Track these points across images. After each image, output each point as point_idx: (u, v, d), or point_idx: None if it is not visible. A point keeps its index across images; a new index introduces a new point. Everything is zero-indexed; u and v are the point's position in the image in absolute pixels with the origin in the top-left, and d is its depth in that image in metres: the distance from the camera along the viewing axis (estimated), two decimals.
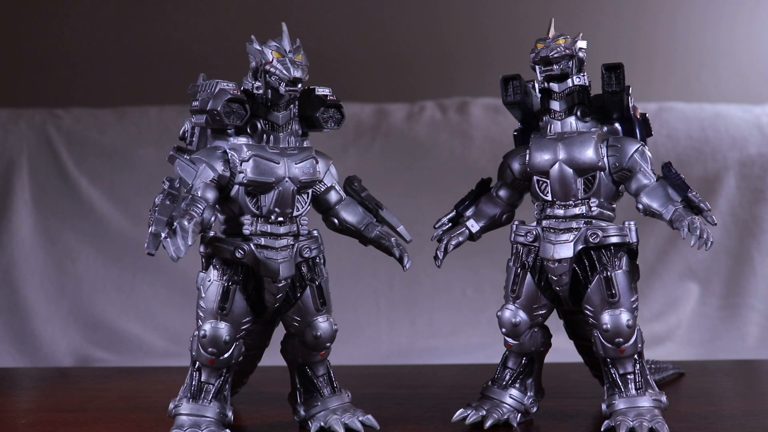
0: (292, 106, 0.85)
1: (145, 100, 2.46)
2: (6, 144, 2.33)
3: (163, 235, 0.76)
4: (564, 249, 0.85)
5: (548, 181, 0.87)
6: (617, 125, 0.89)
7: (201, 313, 0.84)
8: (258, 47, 0.82)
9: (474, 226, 0.92)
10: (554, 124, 0.88)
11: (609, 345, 0.85)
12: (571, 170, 0.86)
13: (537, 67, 0.88)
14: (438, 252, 0.91)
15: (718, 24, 2.54)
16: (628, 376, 0.86)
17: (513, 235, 0.90)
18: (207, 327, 0.83)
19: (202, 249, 0.85)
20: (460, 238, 0.92)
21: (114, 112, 2.42)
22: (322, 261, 0.88)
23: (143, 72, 2.60)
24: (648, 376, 0.86)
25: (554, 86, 0.87)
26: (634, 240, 0.86)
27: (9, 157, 2.32)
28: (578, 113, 0.88)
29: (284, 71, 0.81)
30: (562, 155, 0.86)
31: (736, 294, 2.23)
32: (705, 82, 2.54)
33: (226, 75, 0.85)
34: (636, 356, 0.86)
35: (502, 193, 0.93)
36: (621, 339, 0.84)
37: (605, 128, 0.89)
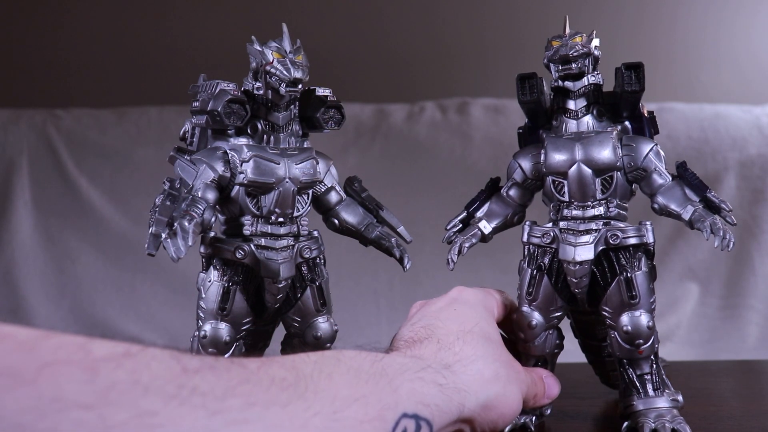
0: (292, 106, 0.85)
1: (145, 101, 2.46)
2: (6, 144, 2.34)
3: (163, 235, 0.76)
4: (585, 251, 0.83)
5: (565, 182, 0.85)
6: (627, 123, 0.88)
7: (201, 314, 0.84)
8: (258, 48, 0.82)
9: (486, 227, 0.90)
10: (569, 123, 0.86)
11: (627, 346, 0.83)
12: (590, 170, 0.83)
13: (553, 65, 0.86)
14: (451, 255, 0.88)
15: (719, 24, 2.55)
16: (646, 377, 0.84)
17: (527, 236, 0.87)
18: (207, 327, 0.83)
19: (202, 249, 0.85)
20: (473, 240, 0.89)
21: (114, 113, 2.42)
22: (322, 261, 0.88)
23: (143, 72, 2.61)
24: (664, 376, 0.85)
25: (570, 85, 0.85)
26: (651, 240, 0.84)
27: (9, 157, 2.32)
28: (594, 112, 0.86)
29: (285, 72, 0.81)
30: (580, 155, 0.83)
31: (736, 294, 2.23)
32: (705, 83, 2.54)
33: (227, 75, 0.85)
34: (652, 357, 0.84)
35: (512, 192, 0.90)
36: (641, 340, 0.83)
37: (618, 127, 0.87)
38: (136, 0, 2.62)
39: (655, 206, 0.84)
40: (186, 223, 0.76)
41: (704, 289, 2.24)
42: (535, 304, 0.86)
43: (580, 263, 0.83)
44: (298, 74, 0.81)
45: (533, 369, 0.83)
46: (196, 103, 0.84)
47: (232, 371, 0.53)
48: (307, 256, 0.86)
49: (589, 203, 0.84)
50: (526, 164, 0.88)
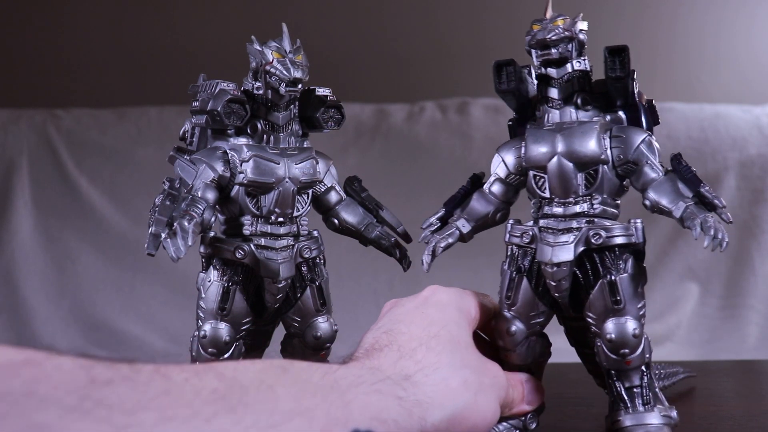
0: (292, 106, 0.85)
1: (145, 101, 2.46)
2: (6, 144, 2.34)
3: (163, 235, 0.76)
4: (563, 251, 0.76)
5: (546, 177, 0.78)
6: (621, 113, 0.81)
7: (201, 314, 0.84)
8: (258, 48, 0.82)
9: (465, 226, 0.82)
10: (552, 113, 0.79)
11: (613, 356, 0.76)
12: (571, 164, 0.76)
13: (533, 51, 0.79)
14: (425, 256, 0.81)
15: (719, 25, 2.55)
16: (635, 390, 0.77)
17: (508, 235, 0.81)
18: (207, 327, 0.83)
19: (202, 249, 0.85)
20: (450, 240, 0.82)
21: (114, 113, 2.42)
22: (322, 261, 0.88)
23: (143, 72, 2.61)
24: (657, 389, 0.78)
25: (552, 72, 0.78)
26: (641, 240, 0.77)
27: (9, 157, 2.32)
28: (578, 101, 0.79)
29: (284, 72, 0.81)
30: (560, 148, 0.76)
31: (736, 294, 2.23)
32: (705, 83, 2.54)
33: (227, 75, 0.85)
34: (643, 368, 0.77)
35: (495, 189, 0.83)
36: (627, 350, 0.75)
37: (608, 117, 0.80)
38: (137, 0, 2.62)
39: (646, 202, 0.77)
40: (186, 223, 0.76)
41: (704, 289, 2.24)
42: (515, 309, 0.79)
43: (558, 265, 0.76)
44: (297, 74, 0.81)
45: (512, 373, 0.78)
46: (196, 103, 0.84)
47: (152, 383, 0.49)
48: (307, 256, 0.86)
49: (571, 199, 0.77)
50: (509, 158, 0.81)
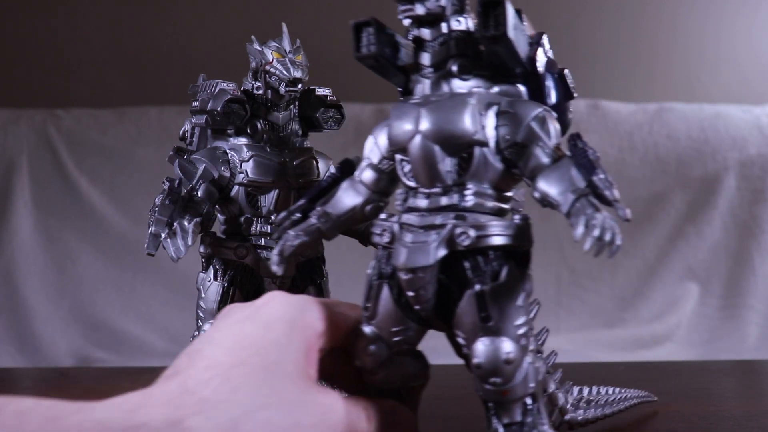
0: (292, 106, 0.85)
1: (145, 101, 2.46)
2: (6, 144, 2.34)
3: (163, 235, 0.76)
4: (420, 255, 0.60)
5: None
6: (520, 86, 0.64)
7: (201, 314, 0.84)
8: (258, 47, 0.83)
9: (327, 220, 0.67)
10: (423, 83, 0.63)
11: (484, 385, 0.59)
12: (436, 146, 0.61)
13: (398, 6, 0.63)
14: (273, 256, 0.66)
15: (719, 25, 2.55)
16: (514, 428, 0.60)
17: (372, 233, 0.66)
18: (207, 327, 0.83)
19: (202, 249, 0.85)
20: (305, 237, 0.66)
21: (114, 113, 2.42)
22: (322, 261, 0.88)
23: (143, 72, 2.61)
24: (545, 427, 0.60)
25: (425, 33, 0.63)
26: (524, 241, 0.61)
27: (9, 157, 2.32)
28: (453, 68, 0.62)
29: (284, 72, 0.81)
30: (424, 125, 0.61)
31: (736, 294, 2.23)
32: (705, 83, 2.54)
33: (227, 75, 0.86)
34: (528, 400, 0.60)
35: (366, 176, 0.67)
36: (499, 378, 0.59)
37: (496, 88, 0.63)
38: (136, 0, 2.62)
39: (535, 194, 0.60)
40: (186, 223, 0.77)
41: (704, 289, 2.24)
42: (375, 322, 0.64)
43: (413, 271, 0.61)
44: (297, 74, 0.81)
45: (372, 401, 0.62)
46: (196, 103, 0.84)
47: None
48: (306, 255, 0.86)
49: (437, 189, 0.62)
50: (382, 140, 0.66)
